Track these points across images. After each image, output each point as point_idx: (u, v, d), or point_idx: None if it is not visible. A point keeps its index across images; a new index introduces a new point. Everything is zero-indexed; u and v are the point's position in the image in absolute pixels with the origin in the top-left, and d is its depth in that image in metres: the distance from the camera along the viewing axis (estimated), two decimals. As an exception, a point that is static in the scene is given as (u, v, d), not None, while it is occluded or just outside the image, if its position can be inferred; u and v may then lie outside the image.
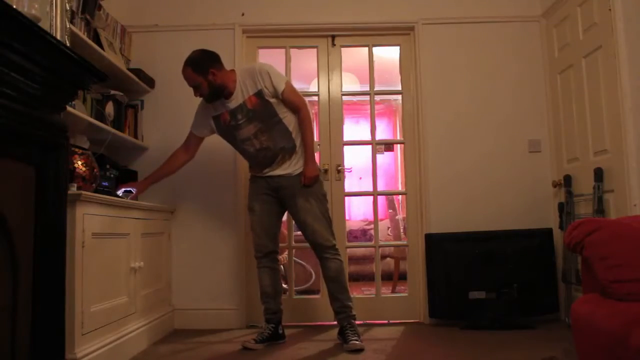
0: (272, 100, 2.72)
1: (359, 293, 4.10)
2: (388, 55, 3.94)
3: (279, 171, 2.81)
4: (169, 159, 2.98)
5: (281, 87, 2.71)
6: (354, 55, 3.92)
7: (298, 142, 2.81)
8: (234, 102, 2.73)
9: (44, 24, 1.78)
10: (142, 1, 3.57)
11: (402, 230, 4.98)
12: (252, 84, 2.71)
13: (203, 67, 2.68)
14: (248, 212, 2.95)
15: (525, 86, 3.51)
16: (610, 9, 2.70)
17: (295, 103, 2.76)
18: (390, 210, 5.39)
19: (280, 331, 2.89)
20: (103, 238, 2.38)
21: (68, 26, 2.16)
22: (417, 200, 3.50)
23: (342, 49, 3.64)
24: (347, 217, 4.15)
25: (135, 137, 3.34)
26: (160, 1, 3.58)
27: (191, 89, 2.75)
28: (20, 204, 1.59)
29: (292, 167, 2.81)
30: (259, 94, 2.70)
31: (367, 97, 3.73)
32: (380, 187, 6.20)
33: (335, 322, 2.88)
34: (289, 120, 2.77)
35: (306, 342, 2.88)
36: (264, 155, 2.79)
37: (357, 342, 2.64)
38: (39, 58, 1.57)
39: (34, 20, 1.56)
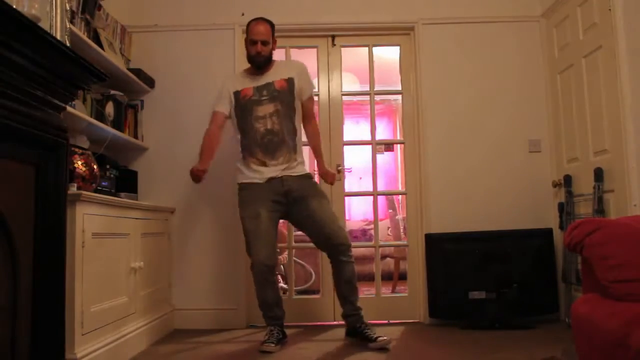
0: (296, 95, 2.84)
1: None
2: (388, 55, 3.94)
3: (286, 170, 2.78)
4: (210, 137, 2.84)
5: (311, 90, 2.93)
6: (354, 55, 3.92)
7: (298, 147, 2.86)
8: (263, 79, 2.83)
9: (44, 24, 1.78)
10: (142, 1, 3.57)
11: (402, 230, 4.98)
12: (286, 72, 2.86)
13: (274, 34, 2.86)
14: (247, 221, 2.77)
15: (525, 86, 3.51)
16: (610, 9, 2.70)
17: (312, 111, 2.95)
18: (390, 210, 5.39)
19: (284, 329, 2.90)
20: (103, 238, 2.38)
21: (68, 26, 2.16)
22: (417, 200, 3.50)
23: (342, 49, 3.64)
24: (347, 217, 4.16)
25: (135, 137, 3.34)
26: (160, 1, 3.58)
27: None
28: (20, 204, 1.59)
29: (296, 167, 2.82)
30: (289, 81, 2.83)
31: (367, 97, 3.73)
32: (380, 187, 6.20)
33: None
34: (297, 119, 2.87)
35: (306, 342, 2.88)
36: (270, 140, 2.77)
37: (385, 338, 2.64)
38: (39, 58, 1.57)
39: (34, 20, 1.56)
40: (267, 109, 2.78)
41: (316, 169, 3.10)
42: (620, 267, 1.62)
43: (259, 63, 2.82)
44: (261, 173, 2.79)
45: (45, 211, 1.67)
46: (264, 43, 2.78)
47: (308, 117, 2.93)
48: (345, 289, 2.80)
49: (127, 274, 2.65)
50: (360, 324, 2.77)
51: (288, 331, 3.03)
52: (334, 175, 2.94)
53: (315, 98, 3.65)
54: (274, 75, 2.83)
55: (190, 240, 3.40)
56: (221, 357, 2.63)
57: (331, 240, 2.75)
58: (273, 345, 2.68)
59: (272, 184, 2.77)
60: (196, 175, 2.74)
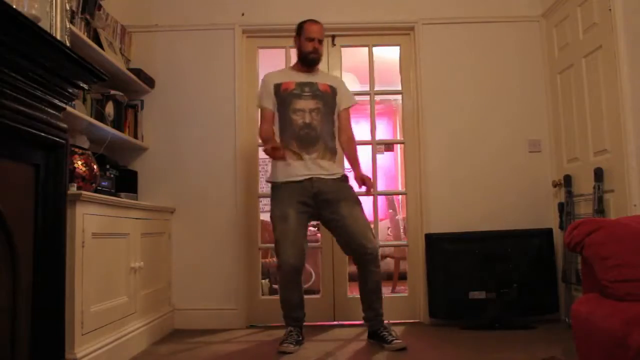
0: (336, 104, 2.90)
1: (359, 293, 4.08)
2: (388, 55, 3.94)
3: (318, 169, 2.76)
4: (265, 131, 2.83)
5: (351, 101, 2.98)
6: (354, 55, 3.92)
7: (338, 151, 2.90)
8: (309, 78, 2.88)
9: (44, 24, 1.78)
10: (142, 1, 3.57)
11: (402, 230, 4.98)
12: (330, 80, 2.98)
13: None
14: (277, 221, 2.74)
15: (525, 86, 3.51)
16: (610, 9, 2.70)
17: (349, 123, 2.97)
18: (390, 210, 5.40)
19: (302, 330, 2.88)
20: (103, 238, 2.38)
21: (68, 26, 2.16)
22: (417, 200, 3.50)
23: (342, 49, 3.64)
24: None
25: (135, 137, 3.34)
26: (160, 1, 3.58)
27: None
28: (20, 204, 1.59)
29: (332, 168, 2.80)
30: (332, 89, 2.91)
31: (367, 97, 3.72)
32: (380, 187, 6.20)
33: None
34: (336, 129, 2.92)
35: (306, 342, 2.88)
36: (307, 133, 2.77)
37: (399, 341, 2.64)
38: (39, 58, 1.57)
39: (34, 20, 1.56)
40: (307, 104, 2.81)
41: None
42: (620, 267, 1.62)
43: (314, 60, 2.88)
44: (294, 168, 2.75)
45: (45, 211, 1.67)
46: (320, 42, 2.88)
47: (344, 127, 2.94)
48: (369, 297, 2.79)
49: (127, 274, 2.65)
50: (380, 327, 2.76)
51: (288, 331, 3.03)
52: (370, 179, 2.85)
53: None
54: (319, 78, 2.91)
55: (190, 240, 3.40)
56: (221, 357, 2.63)
57: (360, 250, 2.72)
58: (292, 346, 2.66)
59: (302, 184, 2.74)
60: (277, 150, 2.65)
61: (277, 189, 2.80)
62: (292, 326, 2.79)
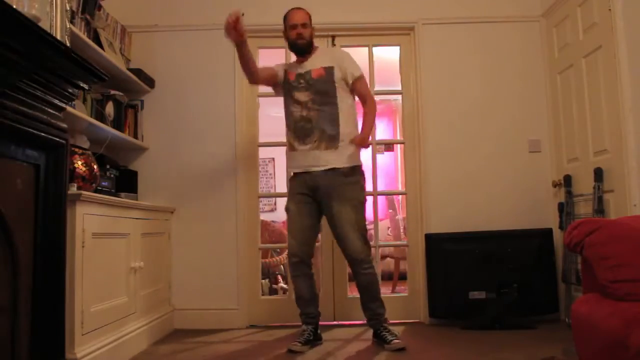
0: (338, 83, 2.80)
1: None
2: (388, 55, 3.94)
3: (311, 161, 2.74)
4: (252, 64, 2.82)
5: (357, 72, 2.85)
6: (354, 55, 3.90)
7: (342, 135, 2.75)
8: (303, 68, 2.85)
9: (44, 24, 1.78)
10: (142, 1, 3.57)
11: (402, 230, 4.98)
12: (327, 60, 2.86)
13: (311, 22, 2.88)
14: (286, 212, 2.87)
15: (525, 86, 3.51)
16: (610, 9, 2.70)
17: (365, 92, 2.88)
18: (390, 210, 5.40)
19: (318, 331, 2.87)
20: (103, 238, 2.38)
21: (68, 26, 2.16)
22: (417, 200, 3.50)
23: (342, 49, 3.63)
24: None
25: (135, 137, 3.34)
26: (160, 1, 3.58)
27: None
28: (20, 204, 1.59)
29: (328, 159, 2.73)
30: (329, 70, 2.81)
31: (367, 97, 3.71)
32: (380, 187, 6.20)
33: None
34: (343, 107, 2.80)
35: (306, 342, 2.88)
36: (302, 127, 2.78)
37: (398, 341, 2.65)
38: (39, 58, 1.57)
39: (34, 20, 1.56)
40: (302, 96, 2.80)
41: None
42: (620, 267, 1.62)
43: (301, 46, 2.84)
44: (294, 160, 2.83)
45: (45, 211, 1.68)
46: (304, 25, 2.82)
47: (362, 98, 2.88)
48: (362, 296, 2.82)
49: (127, 274, 2.65)
50: (379, 326, 2.78)
51: (288, 331, 3.04)
52: (362, 139, 2.72)
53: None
54: (313, 64, 2.85)
55: (190, 240, 3.40)
56: (221, 357, 2.63)
57: (346, 251, 2.76)
58: (300, 345, 2.65)
59: (302, 176, 2.79)
60: (229, 24, 2.58)
61: (290, 181, 2.92)
62: (306, 324, 2.80)
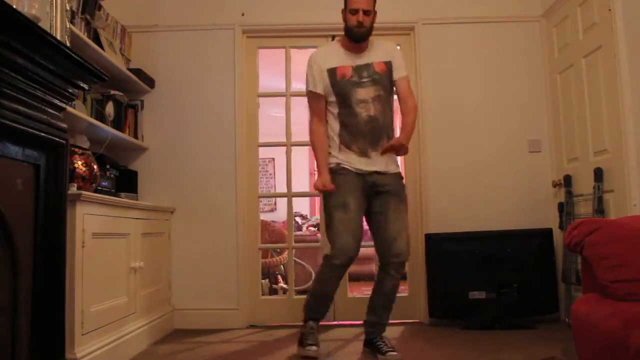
0: (392, 88, 2.61)
1: (359, 293, 4.10)
2: (388, 55, 3.93)
3: (379, 166, 2.54)
4: (319, 140, 2.59)
5: (405, 71, 2.62)
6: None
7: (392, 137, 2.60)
8: (363, 59, 2.57)
9: (44, 24, 1.78)
10: (142, 1, 3.57)
11: (402, 230, 4.97)
12: (384, 54, 2.60)
13: (375, 5, 2.58)
14: (335, 209, 2.51)
15: (525, 86, 3.51)
16: (610, 9, 2.70)
17: (410, 93, 2.62)
18: (390, 210, 5.38)
19: None
20: (103, 238, 2.38)
21: (68, 26, 2.16)
22: (416, 201, 3.49)
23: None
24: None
25: (135, 137, 3.34)
26: (160, 1, 3.58)
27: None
28: (20, 204, 1.59)
29: (390, 162, 2.59)
30: (388, 64, 2.58)
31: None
32: (380, 187, 6.19)
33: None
34: (392, 109, 2.65)
35: (306, 342, 2.88)
36: (371, 128, 2.52)
37: (395, 353, 2.47)
38: (39, 58, 1.57)
39: (34, 20, 1.56)
40: (368, 92, 2.52)
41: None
42: (620, 267, 1.62)
43: (360, 35, 2.53)
44: (357, 162, 2.53)
45: (45, 211, 1.68)
46: (366, 13, 2.51)
47: (403, 97, 2.60)
48: (379, 301, 2.62)
49: (127, 274, 2.65)
50: (377, 336, 2.59)
51: (288, 331, 3.04)
52: (403, 144, 2.50)
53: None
54: (373, 56, 2.58)
55: (190, 240, 3.40)
56: (221, 357, 2.63)
57: (391, 251, 2.54)
58: (315, 347, 2.49)
59: (363, 175, 2.53)
60: (329, 191, 2.50)
61: (336, 174, 2.55)
62: (314, 320, 2.61)
